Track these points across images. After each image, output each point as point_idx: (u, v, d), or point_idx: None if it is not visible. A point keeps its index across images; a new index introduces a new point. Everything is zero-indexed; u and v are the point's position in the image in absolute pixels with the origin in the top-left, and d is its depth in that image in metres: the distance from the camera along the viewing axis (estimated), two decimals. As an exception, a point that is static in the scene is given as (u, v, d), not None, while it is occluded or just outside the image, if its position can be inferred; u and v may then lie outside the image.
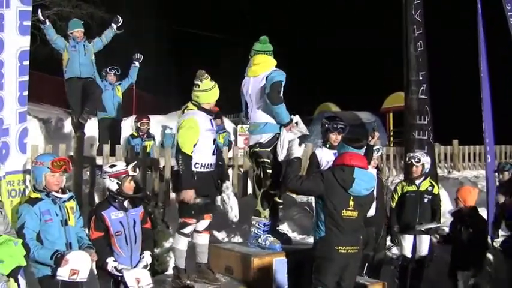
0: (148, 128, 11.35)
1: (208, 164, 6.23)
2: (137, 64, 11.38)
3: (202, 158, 6.19)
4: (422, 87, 10.66)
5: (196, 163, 6.15)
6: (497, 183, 9.54)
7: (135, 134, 11.38)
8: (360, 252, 5.88)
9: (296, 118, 6.41)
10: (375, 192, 7.37)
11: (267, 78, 6.45)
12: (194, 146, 6.13)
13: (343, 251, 5.59)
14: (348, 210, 5.61)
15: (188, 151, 6.09)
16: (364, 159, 5.94)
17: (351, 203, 5.62)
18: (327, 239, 5.64)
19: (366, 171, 5.77)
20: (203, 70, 6.37)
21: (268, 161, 6.43)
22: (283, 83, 6.40)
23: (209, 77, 6.31)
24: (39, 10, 10.35)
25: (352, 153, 5.99)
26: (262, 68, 6.56)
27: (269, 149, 6.41)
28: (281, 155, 6.29)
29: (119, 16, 10.79)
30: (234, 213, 6.48)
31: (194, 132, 6.12)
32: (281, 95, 6.37)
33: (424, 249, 7.97)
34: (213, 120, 6.43)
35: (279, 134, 6.41)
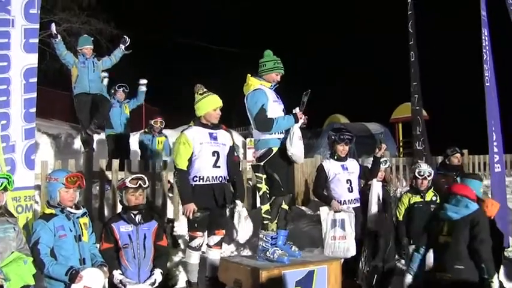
0: (162, 128, 11.44)
1: (207, 177, 6.27)
2: (144, 88, 11.60)
3: (200, 171, 6.25)
4: (414, 98, 10.67)
5: (194, 176, 6.26)
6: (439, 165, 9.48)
7: (147, 130, 11.54)
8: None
9: (296, 109, 6.43)
10: (375, 205, 7.43)
11: (246, 102, 6.46)
12: (189, 160, 6.23)
13: (437, 276, 5.68)
14: (443, 236, 5.70)
15: (181, 166, 6.24)
16: (465, 188, 5.93)
17: (445, 228, 5.69)
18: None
19: (461, 197, 5.75)
20: (199, 84, 6.43)
21: (260, 175, 6.44)
22: (264, 104, 6.31)
23: (201, 90, 6.39)
24: (53, 24, 10.49)
25: (457, 183, 6.16)
26: (245, 89, 6.55)
27: (262, 164, 6.42)
28: (290, 149, 6.30)
29: (126, 36, 10.91)
30: (239, 236, 6.45)
31: (185, 148, 6.23)
32: (268, 116, 6.31)
33: (432, 259, 7.94)
34: (216, 133, 6.43)
35: (272, 148, 6.41)
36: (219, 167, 6.37)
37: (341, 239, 7.10)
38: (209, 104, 6.38)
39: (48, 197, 5.62)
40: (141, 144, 11.38)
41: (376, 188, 7.57)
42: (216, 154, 6.36)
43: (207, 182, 6.29)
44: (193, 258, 6.41)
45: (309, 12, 36.33)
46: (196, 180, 6.27)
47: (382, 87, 29.74)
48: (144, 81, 11.64)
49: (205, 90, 6.42)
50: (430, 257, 7.85)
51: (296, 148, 6.32)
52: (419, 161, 9.87)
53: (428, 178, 8.07)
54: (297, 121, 6.36)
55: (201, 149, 6.28)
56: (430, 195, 8.08)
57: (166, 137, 11.57)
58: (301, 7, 35.87)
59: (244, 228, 6.43)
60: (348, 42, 32.74)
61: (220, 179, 6.37)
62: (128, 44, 10.82)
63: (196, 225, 6.27)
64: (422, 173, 8.06)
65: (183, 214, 6.33)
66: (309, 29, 35.48)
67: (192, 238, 6.36)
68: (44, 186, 8.12)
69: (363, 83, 32.21)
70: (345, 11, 34.69)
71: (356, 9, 34.04)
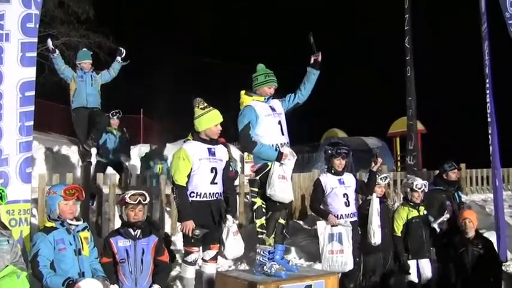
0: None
1: (205, 194, 6.25)
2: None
3: (198, 187, 6.23)
4: (409, 113, 10.76)
5: (191, 192, 6.22)
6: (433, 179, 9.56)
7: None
8: None
9: (284, 149, 6.35)
10: (377, 220, 7.43)
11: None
12: (188, 176, 6.20)
13: None
14: None
15: (181, 182, 6.18)
16: None
17: None
18: None
19: None
20: (198, 98, 6.42)
21: (255, 189, 6.43)
22: (251, 121, 6.34)
23: (202, 104, 6.34)
24: (49, 40, 10.54)
25: None
26: (240, 106, 6.57)
27: (258, 178, 6.42)
28: (267, 190, 6.26)
29: (121, 48, 10.94)
30: (226, 252, 6.42)
31: (185, 164, 6.18)
32: (252, 137, 6.32)
33: (427, 273, 8.02)
34: (214, 148, 6.42)
35: (268, 163, 6.36)
36: (216, 183, 6.36)
37: (338, 253, 7.09)
38: (211, 120, 6.33)
39: (48, 211, 5.63)
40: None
41: (376, 204, 7.57)
42: (214, 170, 6.34)
43: (204, 199, 6.27)
44: (189, 272, 6.40)
45: (309, 13, 36.31)
46: (194, 196, 6.24)
47: (379, 102, 29.75)
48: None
49: (205, 104, 6.38)
50: (424, 268, 7.95)
51: (275, 188, 6.22)
52: (408, 175, 9.96)
53: (426, 190, 8.16)
54: (278, 160, 6.30)
55: (200, 165, 6.25)
56: (422, 209, 8.15)
57: (166, 161, 11.37)
58: (301, 8, 35.84)
59: (231, 243, 6.38)
60: (348, 42, 32.72)
61: (217, 195, 6.37)
62: (123, 55, 10.85)
63: (192, 240, 6.26)
64: (420, 186, 8.10)
65: (181, 231, 6.29)
66: (309, 29, 35.39)
67: (187, 253, 6.35)
68: (41, 199, 8.14)
69: (361, 98, 32.26)
70: (345, 13, 34.73)
71: (356, 9, 34.08)
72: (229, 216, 6.39)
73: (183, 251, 6.52)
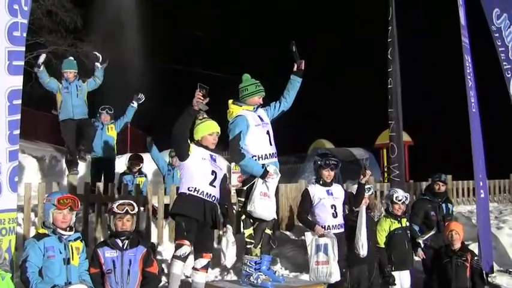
0: (140, 168, 11.29)
1: (202, 191, 6.25)
2: (135, 105, 11.30)
3: (196, 183, 6.24)
4: (391, 124, 10.90)
5: (189, 187, 6.23)
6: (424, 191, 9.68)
7: (127, 171, 11.28)
8: None
9: (270, 167, 6.38)
10: (364, 231, 7.43)
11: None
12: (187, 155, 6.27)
13: None
14: None
15: None
16: None
17: None
18: None
19: None
20: (202, 111, 6.45)
21: (243, 199, 6.45)
22: (242, 131, 6.38)
23: (201, 116, 6.41)
24: (43, 55, 10.62)
25: None
26: (228, 116, 6.63)
27: (245, 188, 6.43)
28: (247, 206, 6.31)
29: (96, 53, 11.01)
30: (227, 261, 6.54)
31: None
32: (241, 147, 6.37)
33: (406, 285, 8.10)
34: (215, 156, 6.51)
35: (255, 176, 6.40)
36: (214, 186, 6.38)
37: (323, 264, 7.07)
38: (205, 129, 6.43)
39: (44, 218, 5.70)
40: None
41: (365, 215, 7.57)
42: (214, 174, 6.39)
43: (201, 196, 6.26)
44: (177, 268, 6.21)
45: (307, 14, 36.40)
46: (192, 191, 6.24)
47: (367, 112, 29.84)
48: (141, 96, 11.36)
49: (205, 116, 6.47)
50: (404, 279, 8.00)
51: (254, 205, 6.28)
52: (391, 187, 10.03)
53: (406, 203, 8.19)
54: (263, 177, 6.32)
55: (202, 164, 6.32)
56: (404, 221, 8.18)
57: (146, 176, 11.48)
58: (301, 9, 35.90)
59: (232, 254, 6.51)
60: (347, 44, 32.78)
61: (213, 198, 6.36)
62: (100, 59, 10.87)
63: (185, 233, 6.18)
64: (400, 198, 8.13)
65: (197, 94, 6.10)
66: (310, 30, 35.38)
67: (178, 246, 6.22)
68: (27, 208, 8.10)
69: (348, 109, 32.33)
70: (343, 17, 34.76)
71: (355, 12, 34.12)
72: (229, 227, 6.49)
73: (174, 245, 6.42)
